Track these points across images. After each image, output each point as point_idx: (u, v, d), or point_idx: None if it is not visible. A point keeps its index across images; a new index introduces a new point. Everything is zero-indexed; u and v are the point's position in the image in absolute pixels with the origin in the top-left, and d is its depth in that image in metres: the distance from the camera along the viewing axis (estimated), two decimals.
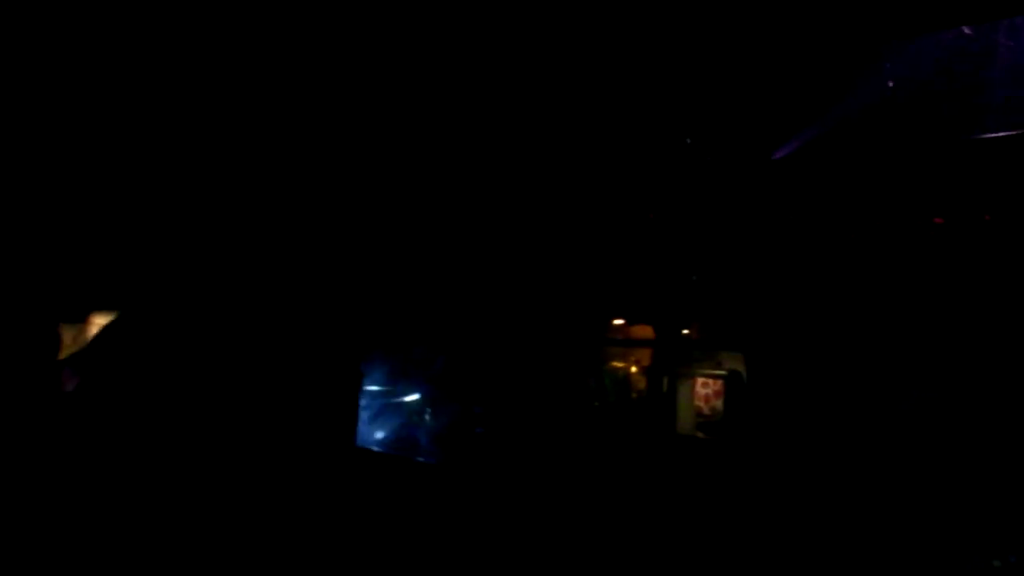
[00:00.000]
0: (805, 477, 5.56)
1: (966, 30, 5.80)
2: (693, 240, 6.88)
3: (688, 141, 7.09)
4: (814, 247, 6.42)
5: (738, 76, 6.87)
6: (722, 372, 6.37)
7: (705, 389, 6.37)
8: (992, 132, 5.72)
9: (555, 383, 6.90)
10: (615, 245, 6.96)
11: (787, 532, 5.13)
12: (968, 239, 5.63)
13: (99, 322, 4.62)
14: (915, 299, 5.84)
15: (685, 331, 6.71)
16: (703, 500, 5.59)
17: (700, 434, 6.26)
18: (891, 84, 6.01)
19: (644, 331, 6.98)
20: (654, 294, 6.83)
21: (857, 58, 6.19)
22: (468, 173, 6.65)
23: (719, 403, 6.28)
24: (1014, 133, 5.68)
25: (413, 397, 6.39)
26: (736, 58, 6.84)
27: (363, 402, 5.79)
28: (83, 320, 4.57)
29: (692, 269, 6.68)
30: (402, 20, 5.38)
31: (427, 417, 6.34)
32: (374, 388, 6.15)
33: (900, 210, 5.96)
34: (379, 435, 6.17)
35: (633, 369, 6.96)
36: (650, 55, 7.07)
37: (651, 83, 7.22)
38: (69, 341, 4.40)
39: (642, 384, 6.86)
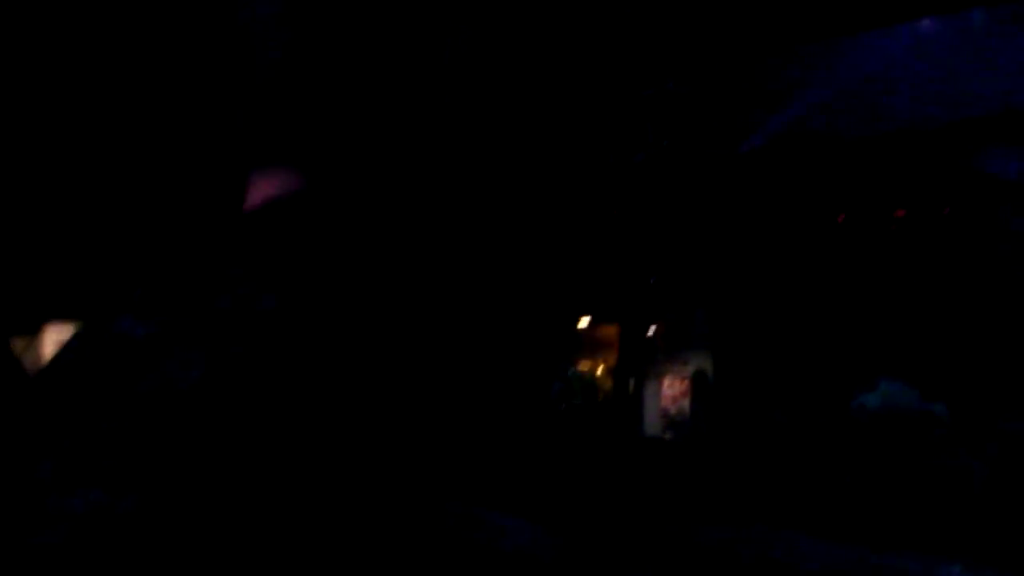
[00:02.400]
0: (773, 476, 5.47)
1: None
2: (659, 237, 6.79)
3: (665, 143, 7.01)
4: (782, 245, 6.34)
5: (706, 72, 6.81)
6: (689, 372, 6.27)
7: (671, 389, 6.25)
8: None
9: (519, 385, 6.78)
10: (578, 243, 6.85)
11: (752, 528, 5.03)
12: (932, 233, 5.56)
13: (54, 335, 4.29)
14: (885, 296, 5.77)
15: (651, 330, 6.61)
16: (670, 502, 5.49)
17: (667, 435, 6.15)
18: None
19: (609, 331, 6.87)
20: (619, 293, 6.73)
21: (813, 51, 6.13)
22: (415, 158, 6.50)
23: (686, 403, 6.17)
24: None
25: None
26: (703, 51, 6.78)
27: None
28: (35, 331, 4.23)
29: (655, 267, 6.59)
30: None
31: None
32: None
33: (865, 204, 5.89)
34: None
35: (599, 371, 6.83)
36: (613, 45, 6.99)
37: (615, 74, 7.14)
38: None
39: (608, 385, 6.74)
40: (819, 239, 6.14)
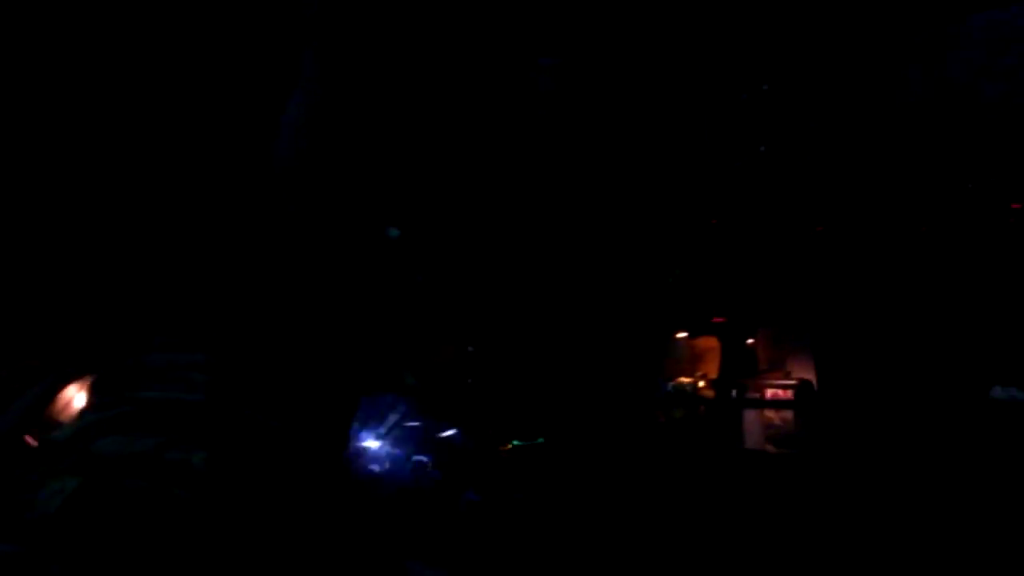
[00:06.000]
0: (885, 488, 5.19)
1: None
2: (758, 244, 6.61)
3: (761, 149, 6.85)
4: (886, 247, 6.07)
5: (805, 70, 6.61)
6: (792, 382, 6.05)
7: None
8: None
9: (618, 399, 6.72)
10: (675, 254, 6.76)
11: (865, 550, 4.78)
12: None
13: None
14: (1000, 292, 5.42)
15: (750, 341, 6.43)
16: (775, 517, 5.29)
17: (770, 447, 5.94)
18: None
19: (708, 343, 6.73)
20: (717, 304, 6.59)
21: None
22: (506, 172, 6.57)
23: (790, 413, 5.95)
24: None
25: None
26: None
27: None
28: None
29: (755, 277, 6.41)
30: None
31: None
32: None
33: (973, 200, 5.56)
34: None
35: (700, 383, 6.69)
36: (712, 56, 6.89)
37: (706, 85, 7.03)
38: None
39: (709, 397, 6.59)
40: (930, 240, 5.83)
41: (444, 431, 5.04)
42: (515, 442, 5.71)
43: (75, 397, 3.47)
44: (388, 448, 4.63)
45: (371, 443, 4.56)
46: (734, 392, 6.36)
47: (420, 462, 4.68)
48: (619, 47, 6.90)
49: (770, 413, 6.06)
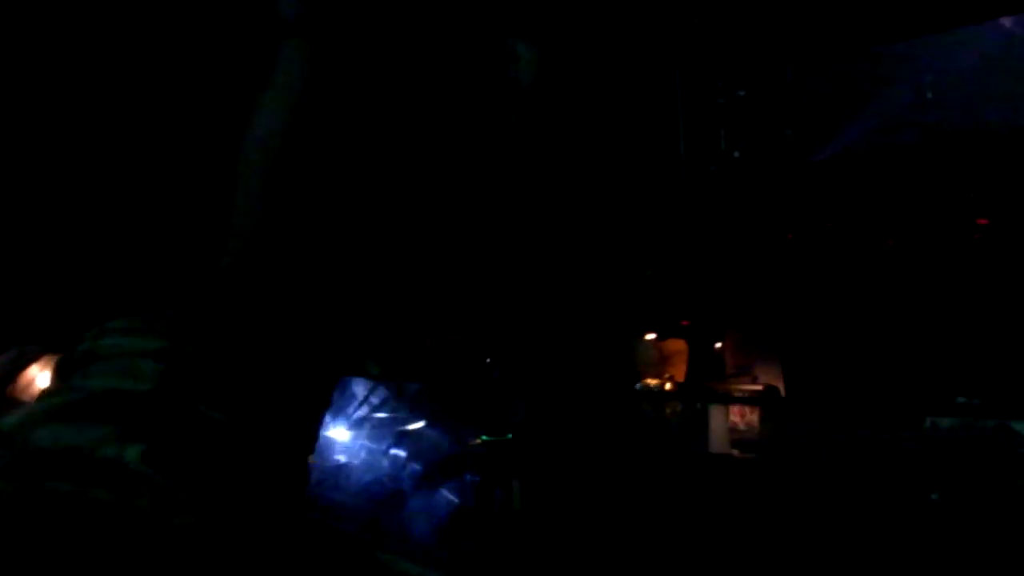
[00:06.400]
0: (850, 493, 5.25)
1: (1006, 23, 5.51)
2: (729, 250, 6.65)
3: (736, 155, 6.88)
4: (856, 255, 6.15)
5: (769, 75, 6.66)
6: (758, 387, 6.10)
7: (740, 405, 6.09)
8: None
9: (588, 399, 6.70)
10: (647, 256, 6.77)
11: (828, 554, 4.83)
12: (1017, 241, 5.29)
13: None
14: (966, 304, 5.52)
15: (718, 345, 6.47)
16: (739, 521, 5.32)
17: (735, 452, 5.98)
18: (928, 80, 5.74)
19: (676, 345, 6.75)
20: (686, 306, 6.61)
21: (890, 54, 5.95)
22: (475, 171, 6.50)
23: (755, 418, 5.99)
24: None
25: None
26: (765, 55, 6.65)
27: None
28: None
29: (725, 281, 6.45)
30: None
31: None
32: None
33: (943, 211, 5.67)
34: None
35: (667, 386, 6.71)
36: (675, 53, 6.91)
37: (678, 83, 7.04)
38: None
39: (676, 400, 6.61)
40: (898, 251, 5.93)
41: (413, 423, 4.97)
42: (484, 437, 5.66)
43: (38, 377, 3.32)
44: (363, 440, 4.54)
45: (340, 433, 4.47)
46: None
47: (398, 456, 4.60)
48: (595, 47, 6.89)
49: (735, 418, 6.09)
